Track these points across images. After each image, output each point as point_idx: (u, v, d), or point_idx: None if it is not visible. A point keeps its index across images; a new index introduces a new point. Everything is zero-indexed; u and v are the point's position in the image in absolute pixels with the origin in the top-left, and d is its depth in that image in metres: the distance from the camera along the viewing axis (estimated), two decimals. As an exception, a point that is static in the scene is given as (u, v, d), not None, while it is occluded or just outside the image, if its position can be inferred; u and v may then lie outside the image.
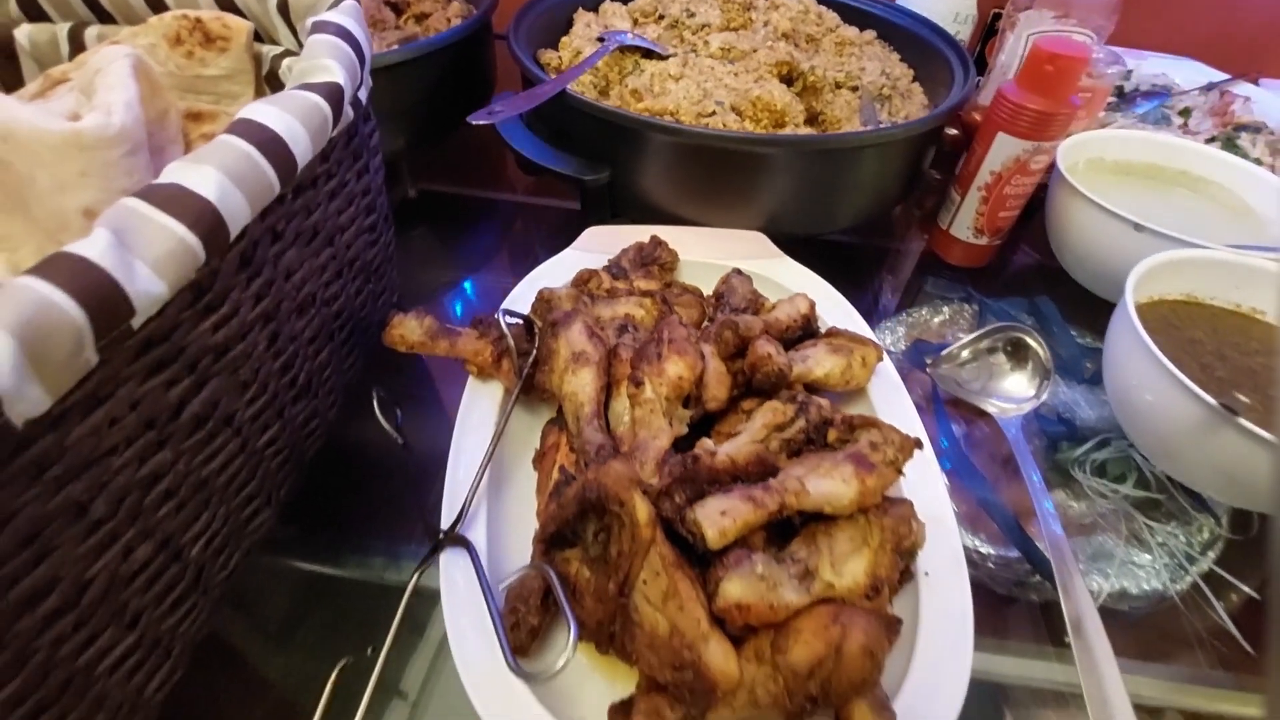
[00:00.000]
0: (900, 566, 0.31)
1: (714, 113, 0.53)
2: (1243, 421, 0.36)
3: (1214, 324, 0.47)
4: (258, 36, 0.41)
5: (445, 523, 0.34)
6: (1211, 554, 0.44)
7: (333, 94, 0.31)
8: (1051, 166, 0.55)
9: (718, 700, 0.27)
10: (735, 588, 0.26)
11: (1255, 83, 0.87)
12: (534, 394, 0.40)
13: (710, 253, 0.51)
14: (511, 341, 0.39)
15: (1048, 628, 0.40)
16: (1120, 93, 0.81)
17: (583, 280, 0.45)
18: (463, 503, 0.34)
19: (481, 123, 0.45)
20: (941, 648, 0.31)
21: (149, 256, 0.23)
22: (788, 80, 0.60)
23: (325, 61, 0.32)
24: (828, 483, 0.30)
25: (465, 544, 0.32)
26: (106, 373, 0.24)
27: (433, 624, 0.37)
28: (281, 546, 0.40)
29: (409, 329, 0.40)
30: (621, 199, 0.55)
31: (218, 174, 0.25)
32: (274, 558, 0.40)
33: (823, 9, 0.70)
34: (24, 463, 0.22)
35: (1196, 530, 0.45)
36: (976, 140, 0.55)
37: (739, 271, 0.47)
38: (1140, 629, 0.41)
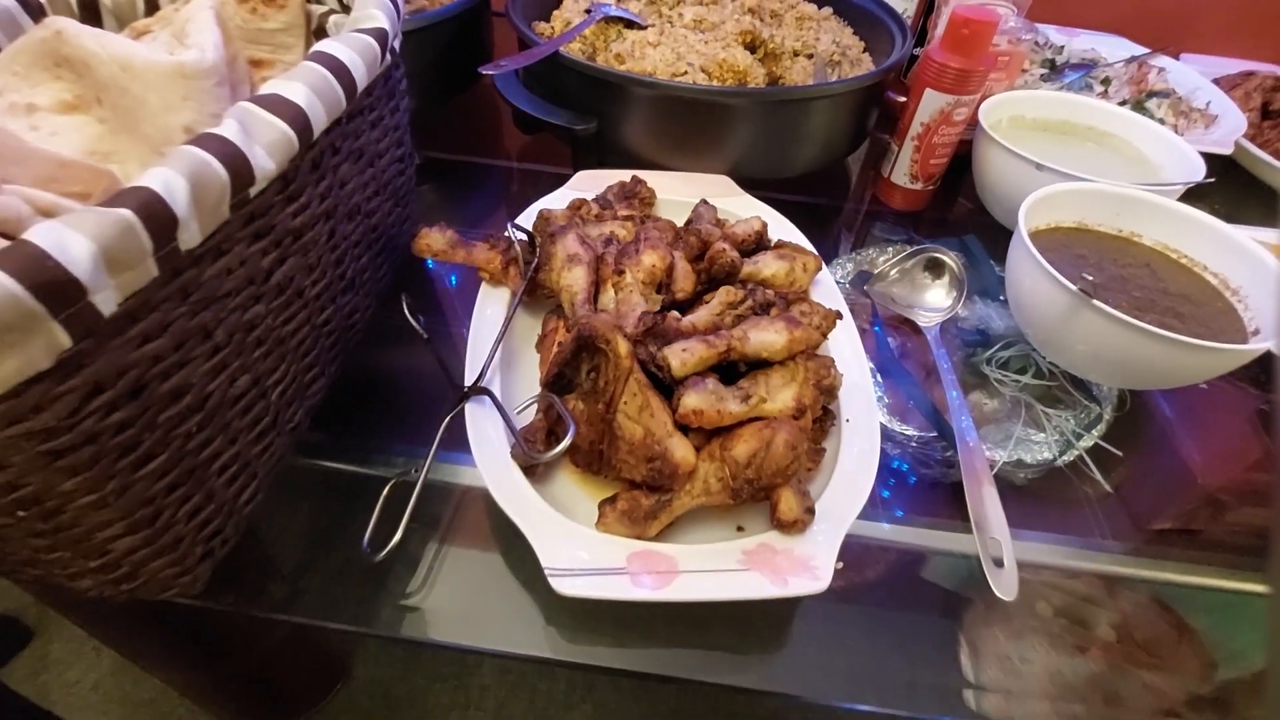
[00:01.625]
0: (821, 401, 0.41)
1: (685, 72, 0.62)
2: (1096, 302, 0.45)
3: (1099, 244, 0.56)
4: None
5: (469, 382, 0.43)
6: (1096, 432, 0.54)
7: (380, 36, 0.40)
8: (973, 120, 0.65)
9: (680, 483, 0.36)
10: (692, 399, 0.36)
11: (1176, 57, 0.97)
12: (536, 294, 0.49)
13: (683, 193, 0.60)
14: (518, 249, 0.48)
15: (959, 508, 0.47)
16: (1052, 65, 0.91)
17: (575, 207, 0.54)
18: (483, 365, 0.43)
19: (490, 72, 0.54)
20: (854, 466, 0.41)
21: (263, 141, 0.32)
22: (751, 48, 0.69)
23: (373, 11, 0.41)
24: (765, 334, 0.39)
25: (486, 392, 0.41)
26: (228, 231, 0.32)
27: (454, 500, 0.45)
28: (316, 450, 0.47)
29: (434, 239, 0.49)
30: (608, 148, 0.64)
31: (305, 88, 0.34)
32: (310, 460, 0.47)
33: (785, -13, 0.79)
34: (178, 285, 0.30)
35: (1084, 415, 0.55)
36: (909, 97, 0.64)
37: (705, 201, 0.56)
38: (1033, 494, 0.50)
